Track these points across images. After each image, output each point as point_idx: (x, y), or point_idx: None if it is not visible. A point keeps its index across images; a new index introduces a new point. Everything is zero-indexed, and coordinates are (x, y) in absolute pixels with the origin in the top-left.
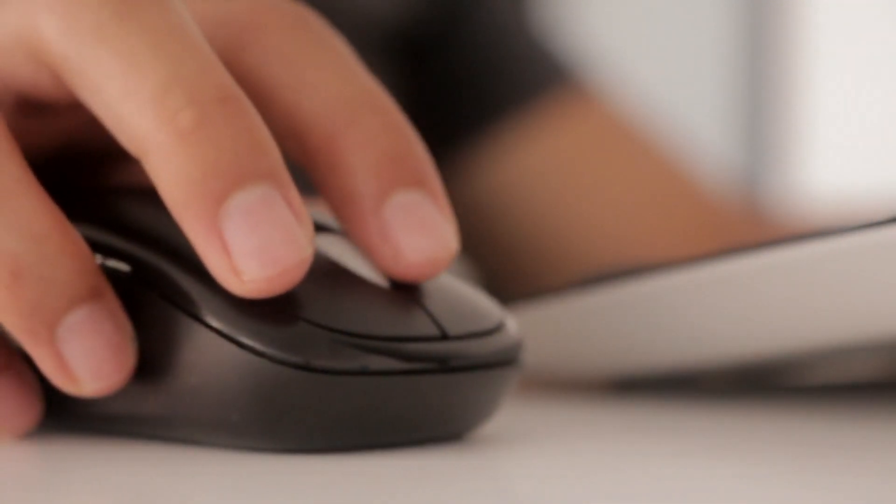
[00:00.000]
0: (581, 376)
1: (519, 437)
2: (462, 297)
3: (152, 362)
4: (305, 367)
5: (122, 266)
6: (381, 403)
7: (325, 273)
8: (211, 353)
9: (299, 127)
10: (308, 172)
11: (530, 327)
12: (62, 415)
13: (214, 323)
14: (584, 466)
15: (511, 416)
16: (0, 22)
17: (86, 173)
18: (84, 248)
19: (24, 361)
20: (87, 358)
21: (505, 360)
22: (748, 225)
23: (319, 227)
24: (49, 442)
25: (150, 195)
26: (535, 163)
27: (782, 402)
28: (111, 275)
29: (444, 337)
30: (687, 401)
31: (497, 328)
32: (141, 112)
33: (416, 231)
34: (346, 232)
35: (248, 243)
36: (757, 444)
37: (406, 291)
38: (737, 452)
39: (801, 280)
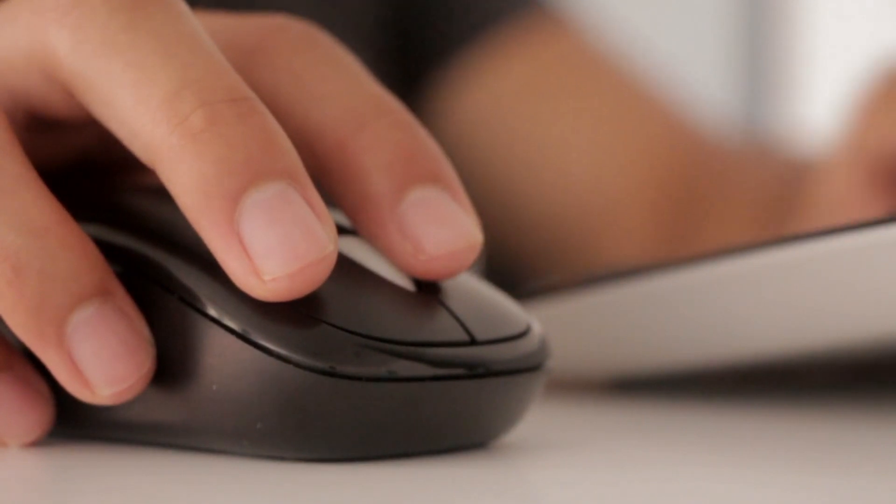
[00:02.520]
0: (579, 376)
1: (543, 444)
2: (487, 301)
3: (171, 368)
4: (332, 374)
5: (136, 267)
6: (409, 411)
7: (348, 276)
8: (233, 359)
9: (310, 137)
10: (323, 182)
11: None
12: (75, 422)
13: (235, 326)
14: (612, 473)
15: (531, 421)
16: (10, 39)
17: (95, 188)
18: (89, 244)
19: (34, 367)
20: (99, 359)
21: (533, 366)
22: (719, 152)
23: (341, 230)
24: (61, 451)
25: (161, 193)
26: (499, 90)
27: (782, 403)
28: (125, 278)
29: (473, 342)
30: (695, 402)
31: (524, 332)
32: (153, 119)
33: (435, 224)
34: (365, 235)
35: (267, 239)
36: (790, 448)
37: (431, 295)
38: (758, 458)
39: (801, 280)
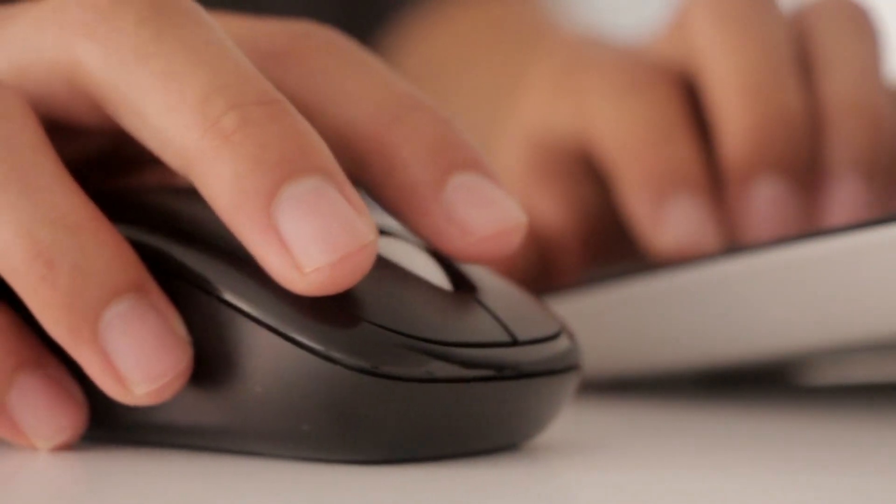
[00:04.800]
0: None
1: (574, 445)
2: (520, 301)
3: (211, 370)
4: (375, 373)
5: (172, 269)
6: (453, 412)
7: (388, 277)
8: (278, 360)
9: (347, 133)
10: (363, 177)
11: None
12: (112, 426)
13: (279, 326)
14: (646, 474)
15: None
16: (35, 51)
17: (124, 189)
18: (122, 241)
19: (66, 369)
20: (134, 355)
21: (571, 365)
22: None
23: (379, 231)
24: (96, 456)
25: (194, 194)
26: (429, 55)
27: (782, 403)
28: (162, 281)
29: (515, 342)
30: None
31: (559, 332)
32: (184, 124)
33: (480, 206)
34: (410, 224)
35: (305, 231)
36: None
37: (470, 295)
38: (777, 459)
39: (800, 280)
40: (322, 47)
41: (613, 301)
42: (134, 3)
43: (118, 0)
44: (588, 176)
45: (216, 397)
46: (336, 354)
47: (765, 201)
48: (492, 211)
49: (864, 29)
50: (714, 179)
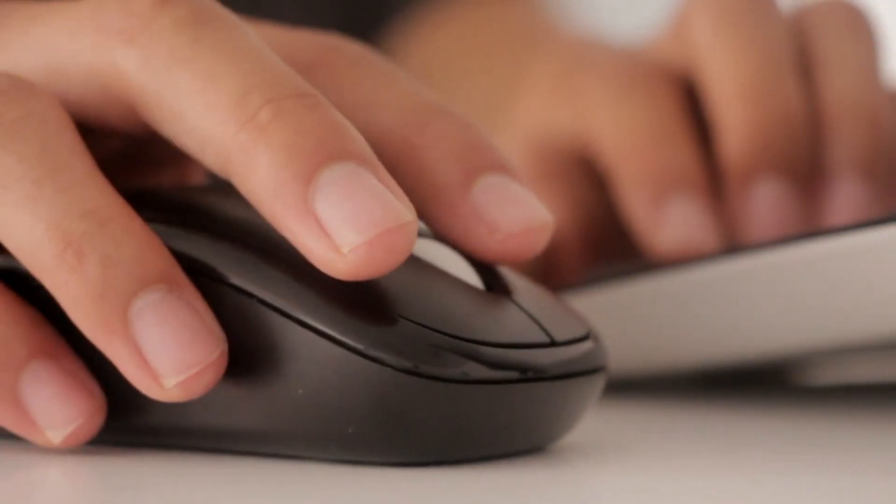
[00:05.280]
0: None
1: (602, 447)
2: (551, 302)
3: (250, 373)
4: (428, 376)
5: (208, 270)
6: (493, 413)
7: (426, 277)
8: (321, 361)
9: (376, 140)
10: None
11: None
12: (141, 431)
13: (321, 326)
14: (670, 476)
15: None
16: (70, 54)
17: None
18: (152, 235)
19: (82, 363)
20: (165, 345)
21: (603, 366)
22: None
23: None
24: (121, 460)
25: (228, 194)
26: (430, 53)
27: (782, 403)
28: (199, 283)
29: (553, 343)
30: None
31: (590, 332)
32: (221, 121)
33: (508, 205)
34: (438, 225)
35: (343, 211)
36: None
37: (505, 296)
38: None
39: (801, 280)
40: (352, 59)
41: (613, 302)
42: (172, 9)
43: (157, 6)
44: (587, 177)
45: (254, 400)
46: (379, 354)
47: (765, 202)
48: (519, 210)
49: (863, 30)
50: (713, 180)
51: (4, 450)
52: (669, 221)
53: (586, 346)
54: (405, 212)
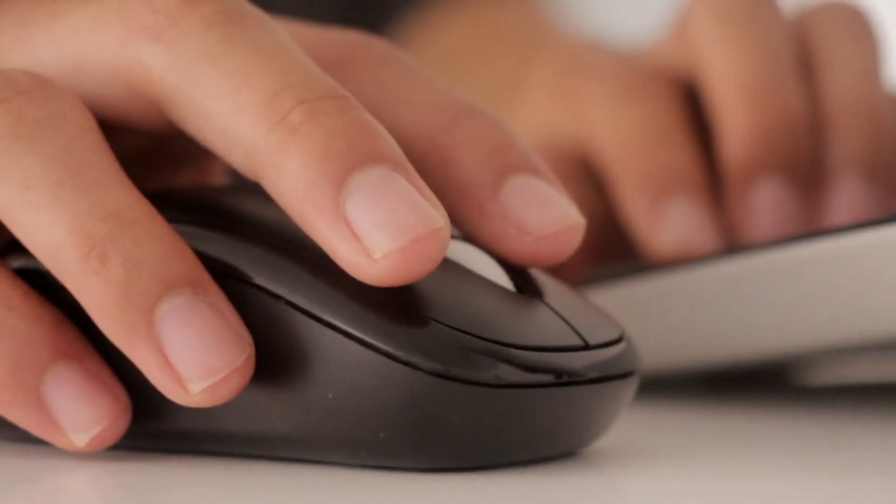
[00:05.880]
0: None
1: (633, 451)
2: (584, 304)
3: (279, 377)
4: (447, 376)
5: (235, 272)
6: (527, 417)
7: (459, 280)
8: (351, 365)
9: (404, 139)
10: None
11: None
12: (163, 433)
13: (351, 329)
14: (702, 480)
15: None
16: (94, 50)
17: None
18: (177, 237)
19: (106, 366)
20: (191, 349)
21: (636, 369)
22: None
23: None
24: (148, 465)
25: (254, 195)
26: (431, 55)
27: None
28: (225, 284)
29: (586, 346)
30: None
31: (622, 335)
32: (252, 122)
33: (537, 207)
34: (467, 226)
35: (375, 216)
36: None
37: (537, 298)
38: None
39: (801, 280)
40: (378, 57)
41: (612, 302)
42: (201, 6)
43: (185, 3)
44: (587, 179)
45: (282, 404)
46: (411, 357)
47: (766, 203)
48: (549, 211)
49: (864, 32)
50: (713, 181)
51: (29, 455)
52: (668, 223)
53: (620, 348)
54: (438, 217)
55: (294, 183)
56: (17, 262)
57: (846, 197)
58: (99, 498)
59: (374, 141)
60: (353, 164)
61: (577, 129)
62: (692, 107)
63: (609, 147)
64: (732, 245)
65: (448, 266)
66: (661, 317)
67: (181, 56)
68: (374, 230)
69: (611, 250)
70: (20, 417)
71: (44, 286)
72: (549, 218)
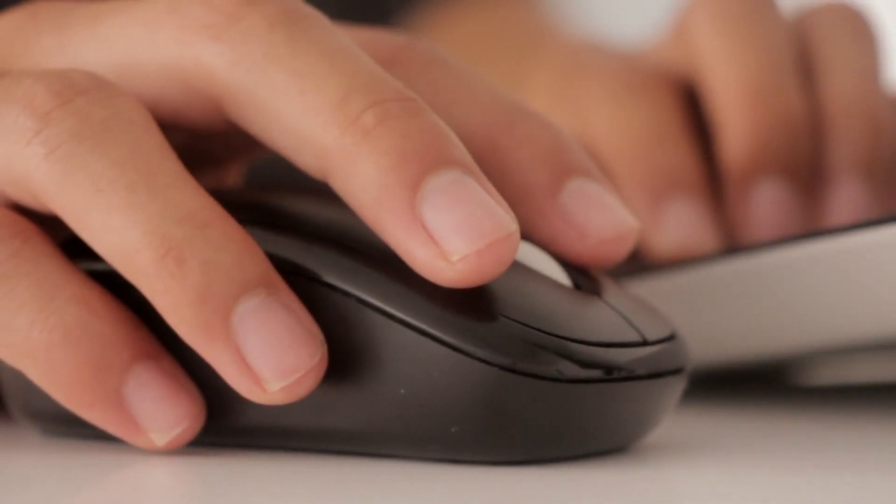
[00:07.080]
0: None
1: (681, 446)
2: (637, 301)
3: (348, 371)
4: (532, 375)
5: (305, 271)
6: (589, 412)
7: (521, 277)
8: (424, 360)
9: (461, 137)
10: None
11: None
12: (236, 429)
13: (423, 325)
14: (757, 476)
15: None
16: (147, 49)
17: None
18: (250, 239)
19: (178, 363)
20: (268, 349)
21: (687, 365)
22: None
23: None
24: (224, 460)
25: (320, 195)
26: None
27: (782, 403)
28: (296, 283)
29: (645, 343)
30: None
31: (674, 332)
32: (323, 124)
33: (597, 211)
34: (526, 226)
35: (452, 220)
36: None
37: (595, 295)
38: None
39: (801, 280)
40: (426, 58)
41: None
42: (262, 6)
43: (245, 2)
44: None
45: (354, 400)
46: (483, 352)
47: (766, 203)
48: (608, 215)
49: (864, 32)
50: (713, 182)
51: (104, 450)
52: (667, 223)
53: (673, 344)
54: (510, 222)
55: (368, 185)
56: (83, 265)
57: (846, 197)
58: (180, 493)
59: (445, 144)
60: (427, 167)
61: (578, 130)
62: (692, 107)
63: (609, 147)
64: (732, 245)
65: (513, 264)
66: (689, 312)
67: (245, 56)
68: (451, 234)
69: None
70: (99, 418)
71: (110, 289)
72: (608, 222)
